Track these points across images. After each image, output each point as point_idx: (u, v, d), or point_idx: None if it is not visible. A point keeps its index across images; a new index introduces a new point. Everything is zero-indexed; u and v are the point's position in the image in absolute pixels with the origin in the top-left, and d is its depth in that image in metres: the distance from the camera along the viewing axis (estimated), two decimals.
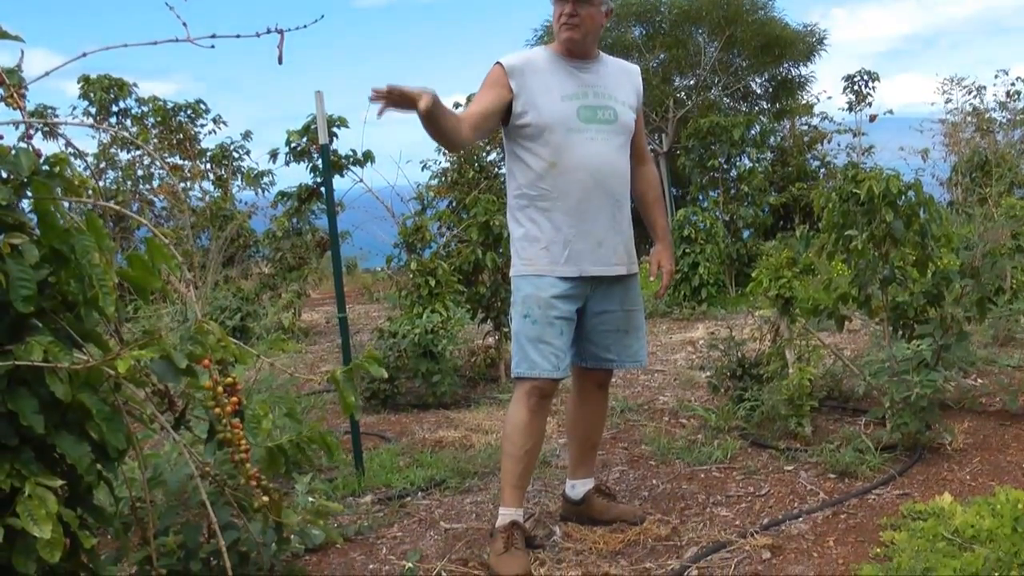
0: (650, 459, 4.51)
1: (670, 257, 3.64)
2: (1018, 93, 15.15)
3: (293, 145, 8.29)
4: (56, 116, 11.66)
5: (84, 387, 1.90)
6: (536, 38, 16.69)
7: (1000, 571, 2.77)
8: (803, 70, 16.92)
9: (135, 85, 11.77)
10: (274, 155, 8.57)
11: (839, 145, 15.69)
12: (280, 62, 1.88)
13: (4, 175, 1.95)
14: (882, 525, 3.39)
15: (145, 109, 12.01)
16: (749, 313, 6.84)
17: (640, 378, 6.36)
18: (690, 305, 9.42)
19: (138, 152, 11.37)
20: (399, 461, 4.67)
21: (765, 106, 17.04)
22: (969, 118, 15.50)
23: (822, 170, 15.18)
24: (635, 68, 3.57)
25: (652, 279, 3.66)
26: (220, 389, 2.08)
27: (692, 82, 16.50)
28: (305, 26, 1.86)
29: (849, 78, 15.42)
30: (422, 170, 11.21)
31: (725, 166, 11.80)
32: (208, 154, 12.30)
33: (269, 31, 1.81)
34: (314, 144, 8.07)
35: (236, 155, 12.39)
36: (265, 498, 2.26)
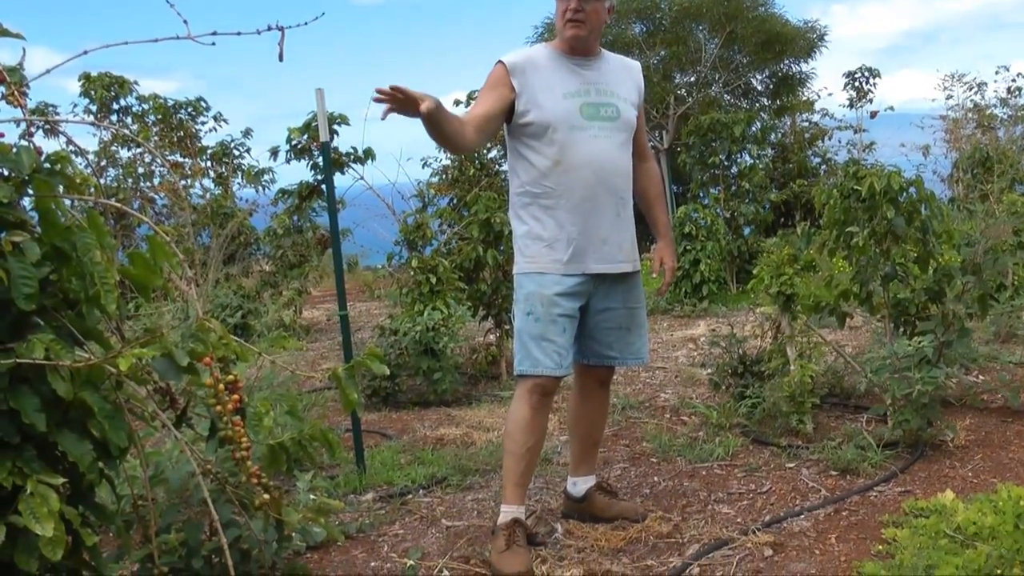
0: (651, 456, 4.51)
1: (672, 254, 3.64)
2: (1019, 89, 15.13)
3: (294, 143, 8.28)
4: (57, 114, 11.67)
5: (86, 385, 1.90)
6: (537, 35, 16.68)
7: (1002, 568, 2.77)
8: (804, 67, 16.92)
9: (136, 83, 11.77)
10: (275, 153, 8.57)
11: (840, 142, 15.68)
12: (281, 59, 1.88)
13: (5, 173, 1.95)
14: (884, 522, 3.39)
15: (146, 107, 12.00)
16: (750, 310, 6.84)
17: (641, 375, 6.36)
18: (691, 302, 9.41)
19: (139, 150, 11.37)
20: (400, 459, 4.67)
21: (766, 103, 17.03)
22: (970, 114, 15.49)
23: (823, 167, 15.18)
24: (636, 65, 3.57)
25: (654, 276, 3.66)
26: (221, 387, 2.08)
27: (693, 79, 16.49)
28: (306, 23, 1.86)
29: (850, 74, 15.41)
30: (423, 167, 11.20)
31: (726, 163, 11.78)
32: (208, 152, 12.30)
33: (270, 28, 1.81)
34: (315, 141, 8.06)
35: (236, 152, 12.38)
36: (266, 496, 2.27)
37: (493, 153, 11.45)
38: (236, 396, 2.14)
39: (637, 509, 3.68)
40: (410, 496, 4.11)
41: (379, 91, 2.85)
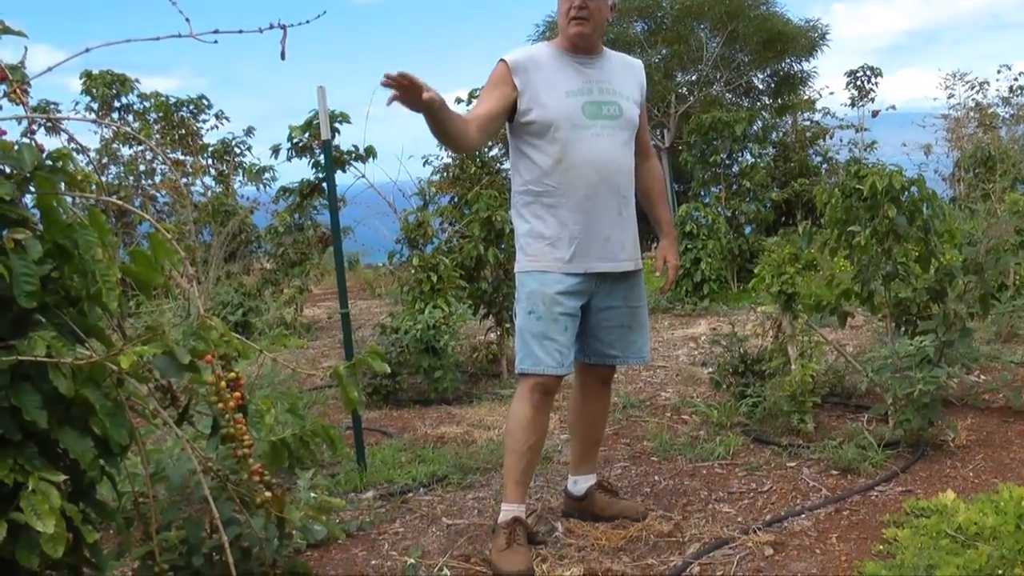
0: (652, 455, 4.51)
1: (675, 252, 3.64)
2: (1021, 88, 15.10)
3: (295, 140, 8.28)
4: (59, 112, 11.66)
5: (87, 382, 1.90)
6: (538, 34, 16.67)
7: (1004, 569, 2.77)
8: (805, 66, 16.92)
9: (137, 81, 11.78)
10: (276, 151, 8.57)
11: (841, 141, 15.68)
12: (283, 58, 1.87)
13: (7, 170, 1.95)
14: (885, 522, 3.39)
15: (147, 104, 12.00)
16: (751, 309, 6.83)
17: (642, 374, 6.36)
18: (692, 301, 9.40)
19: (140, 147, 11.38)
20: (401, 457, 4.67)
21: (767, 102, 17.03)
22: (972, 113, 15.48)
23: (824, 166, 15.18)
24: (638, 63, 3.57)
25: (657, 274, 3.66)
26: (223, 384, 2.07)
27: (694, 77, 16.49)
28: (308, 21, 1.85)
29: (852, 74, 15.40)
30: (424, 165, 11.20)
31: (727, 162, 11.78)
32: (210, 149, 12.30)
33: (272, 27, 1.81)
34: (316, 139, 8.06)
35: (238, 150, 12.39)
36: (268, 494, 2.26)
37: (494, 151, 11.45)
38: (238, 394, 2.13)
39: (638, 508, 3.68)
40: (411, 494, 4.11)
41: (388, 76, 2.82)
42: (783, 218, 13.63)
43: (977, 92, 15.58)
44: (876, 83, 15.46)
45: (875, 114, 15.59)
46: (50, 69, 2.00)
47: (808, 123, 16.49)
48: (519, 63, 3.28)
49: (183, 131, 12.00)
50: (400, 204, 8.83)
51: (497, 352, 6.60)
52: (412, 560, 3.35)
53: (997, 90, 15.63)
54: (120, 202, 2.12)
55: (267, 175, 11.01)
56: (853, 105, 15.58)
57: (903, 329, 5.03)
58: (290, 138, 8.34)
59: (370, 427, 5.29)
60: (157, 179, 11.72)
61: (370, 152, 8.18)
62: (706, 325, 8.30)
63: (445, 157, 11.60)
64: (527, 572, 3.15)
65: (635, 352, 3.50)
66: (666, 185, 11.45)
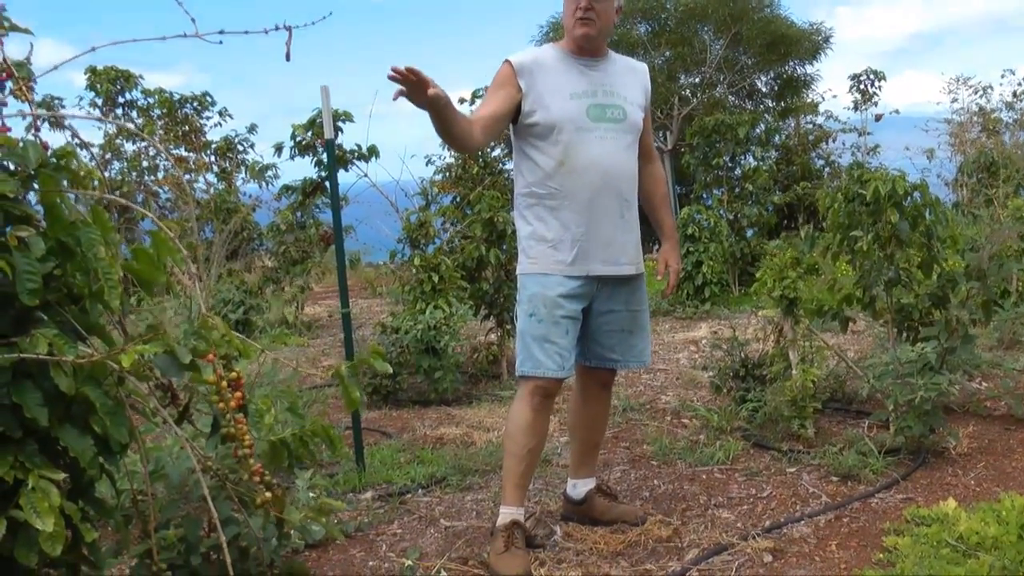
0: (652, 459, 4.50)
1: (677, 257, 3.64)
2: None
3: (298, 139, 8.27)
4: (63, 107, 11.69)
5: (88, 381, 1.90)
6: (542, 34, 16.67)
7: None
8: (808, 68, 16.92)
9: (141, 77, 11.78)
10: (279, 149, 8.57)
11: (844, 144, 15.69)
12: (288, 59, 1.87)
13: (11, 167, 1.95)
14: (885, 530, 3.38)
15: (151, 101, 12.01)
16: (752, 313, 6.82)
17: (642, 377, 6.35)
18: (693, 304, 9.39)
19: (143, 143, 11.38)
20: (400, 457, 4.66)
21: (770, 104, 17.03)
22: (975, 118, 15.48)
23: (827, 169, 15.18)
24: (643, 66, 3.56)
25: (659, 278, 3.65)
26: (224, 384, 2.07)
27: (697, 80, 16.49)
28: (313, 23, 1.85)
29: (855, 77, 15.40)
30: (426, 165, 11.18)
31: (729, 164, 11.77)
32: (213, 146, 12.30)
33: (277, 28, 1.80)
34: (319, 138, 8.06)
35: (241, 148, 12.39)
36: (268, 494, 2.26)
37: (497, 152, 11.44)
38: (239, 394, 2.13)
39: (637, 512, 3.67)
40: (409, 495, 4.10)
41: (395, 70, 2.80)
42: (785, 221, 13.62)
43: (981, 97, 15.60)
44: (879, 87, 15.48)
45: (878, 118, 15.59)
46: (55, 68, 1.99)
47: (811, 126, 16.49)
48: (524, 64, 3.27)
49: (186, 127, 12.00)
50: (402, 203, 8.81)
51: (497, 353, 6.59)
52: (410, 562, 3.34)
53: (1001, 95, 15.65)
54: (124, 200, 2.12)
55: (269, 173, 11.01)
56: (856, 109, 15.59)
57: (905, 335, 5.02)
58: (293, 136, 8.34)
59: (369, 427, 5.28)
60: (160, 175, 11.72)
61: (373, 151, 8.18)
62: (707, 328, 8.29)
63: (448, 157, 11.58)
64: None
65: (636, 356, 3.49)
66: (668, 187, 11.45)
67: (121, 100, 12.03)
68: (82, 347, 1.95)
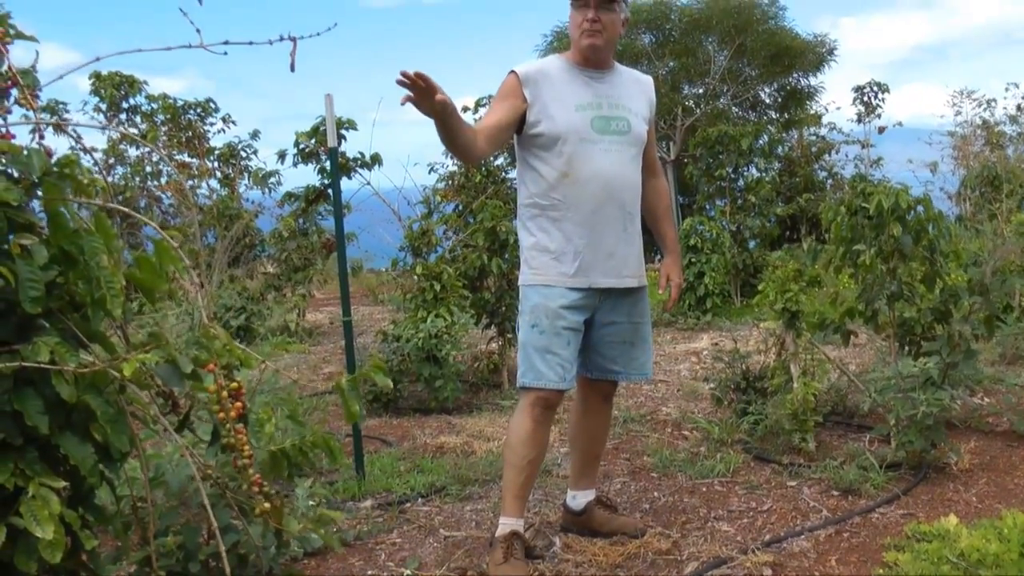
0: (652, 471, 4.50)
1: (679, 270, 3.63)
2: None
3: (301, 146, 8.28)
4: (67, 111, 11.71)
5: (89, 388, 1.90)
6: (546, 43, 16.69)
7: None
8: (812, 80, 16.94)
9: (145, 83, 11.82)
10: (282, 156, 8.57)
11: (847, 156, 15.70)
12: (292, 70, 1.87)
13: (15, 175, 1.95)
14: (885, 545, 3.36)
15: (155, 106, 12.04)
16: (754, 325, 6.81)
17: (643, 388, 6.34)
18: (695, 315, 9.39)
19: (147, 149, 11.40)
20: (400, 466, 4.66)
21: (774, 116, 17.04)
22: (979, 131, 15.48)
23: (829, 181, 15.18)
24: (648, 79, 3.56)
25: (661, 292, 3.65)
26: (225, 394, 2.07)
27: (701, 90, 16.51)
28: (318, 34, 1.85)
29: (858, 89, 15.42)
30: (429, 173, 11.20)
31: (732, 176, 11.78)
32: (216, 152, 12.32)
33: (282, 39, 1.81)
34: (322, 146, 8.07)
35: (244, 154, 12.41)
36: (267, 505, 2.25)
37: (500, 160, 11.46)
38: (239, 404, 2.12)
39: (636, 524, 3.67)
40: (408, 504, 4.10)
41: (404, 74, 2.77)
42: (787, 232, 13.63)
43: (984, 110, 15.60)
44: (883, 99, 15.49)
45: (881, 130, 15.61)
46: (61, 77, 2.00)
47: (814, 138, 16.50)
48: (529, 75, 3.27)
49: (190, 133, 12.03)
50: (405, 211, 8.82)
51: (498, 362, 6.59)
52: (409, 572, 3.34)
53: (1004, 108, 15.65)
54: (127, 209, 2.12)
55: (272, 179, 11.03)
56: (859, 121, 15.60)
57: (907, 349, 5.01)
58: (296, 144, 8.34)
59: (369, 435, 5.28)
60: (163, 180, 11.74)
61: (376, 159, 8.17)
62: (708, 340, 8.29)
63: (451, 165, 11.61)
64: None
65: (638, 368, 3.49)
66: (671, 198, 11.48)
67: (125, 105, 12.06)
68: (84, 355, 1.96)
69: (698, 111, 15.51)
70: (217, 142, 12.57)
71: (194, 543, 2.61)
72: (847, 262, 4.93)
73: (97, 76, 11.79)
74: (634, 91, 3.42)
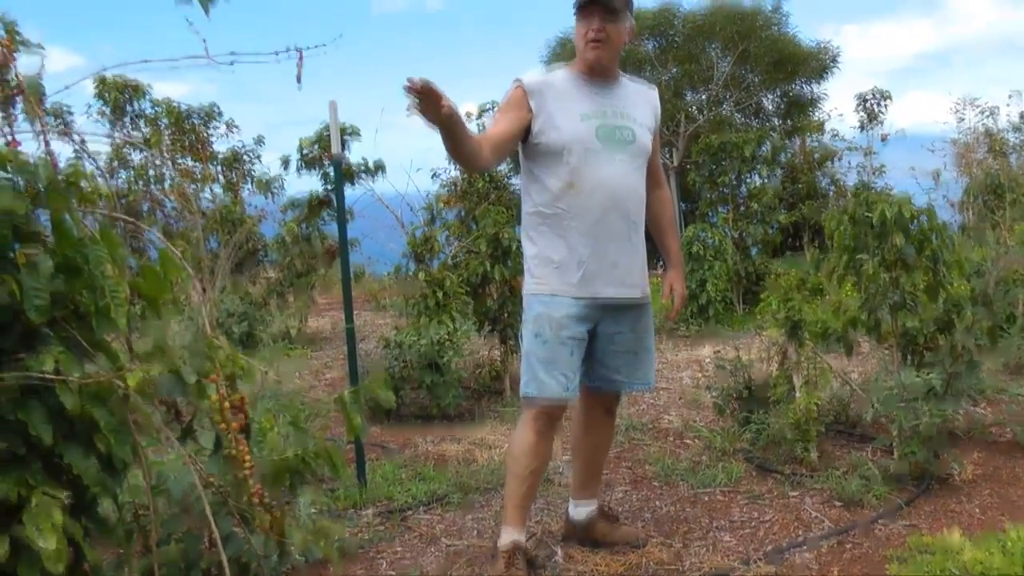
0: (654, 480, 4.49)
1: (682, 281, 3.63)
2: None
3: (305, 153, 8.29)
4: (71, 114, 11.73)
5: (93, 399, 1.90)
6: (550, 51, 16.70)
7: None
8: (815, 88, 16.94)
9: (150, 87, 11.82)
10: (286, 163, 8.59)
11: (849, 163, 15.68)
12: (299, 82, 1.87)
13: (21, 184, 1.95)
14: (888, 557, 3.36)
15: (159, 111, 12.04)
16: (756, 334, 6.80)
17: (645, 396, 6.32)
18: (697, 323, 9.36)
19: (150, 152, 11.41)
20: (401, 474, 4.65)
21: (777, 123, 17.04)
22: (982, 139, 15.46)
23: (832, 188, 15.17)
24: (653, 89, 3.56)
25: (665, 301, 3.65)
26: (227, 406, 2.07)
27: (704, 97, 16.51)
28: (324, 45, 1.85)
29: (861, 97, 15.40)
30: (432, 179, 11.20)
31: (735, 183, 11.76)
32: (219, 158, 12.32)
33: (288, 51, 1.81)
34: (326, 152, 8.07)
35: (247, 160, 12.40)
36: (268, 517, 2.25)
37: (502, 167, 11.46)
38: (242, 416, 2.12)
39: (638, 535, 3.66)
40: (410, 512, 4.10)
41: (410, 81, 2.75)
42: (790, 239, 13.61)
43: (987, 118, 15.57)
44: (886, 107, 15.47)
45: (884, 139, 15.58)
46: (66, 88, 2.00)
47: (816, 145, 16.49)
48: (534, 85, 3.27)
49: (193, 138, 12.03)
50: (407, 218, 8.82)
51: (500, 369, 6.57)
52: None
53: (1007, 116, 15.62)
54: (131, 219, 2.12)
55: (276, 185, 11.02)
56: (862, 129, 15.58)
57: (910, 359, 5.00)
58: (300, 150, 8.35)
59: (371, 442, 5.26)
60: (167, 184, 11.74)
61: (379, 167, 8.18)
62: (710, 348, 8.26)
63: (453, 171, 11.61)
64: None
65: (640, 378, 3.49)
66: (674, 205, 11.46)
67: (129, 110, 12.06)
68: (88, 365, 1.96)
69: (701, 118, 15.51)
70: (221, 147, 12.57)
71: (196, 551, 2.61)
72: (850, 271, 4.92)
73: (102, 81, 11.79)
74: (639, 101, 3.42)
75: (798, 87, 16.87)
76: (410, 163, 14.11)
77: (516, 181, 10.82)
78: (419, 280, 6.29)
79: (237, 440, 2.12)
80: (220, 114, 12.49)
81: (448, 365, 5.82)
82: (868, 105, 15.28)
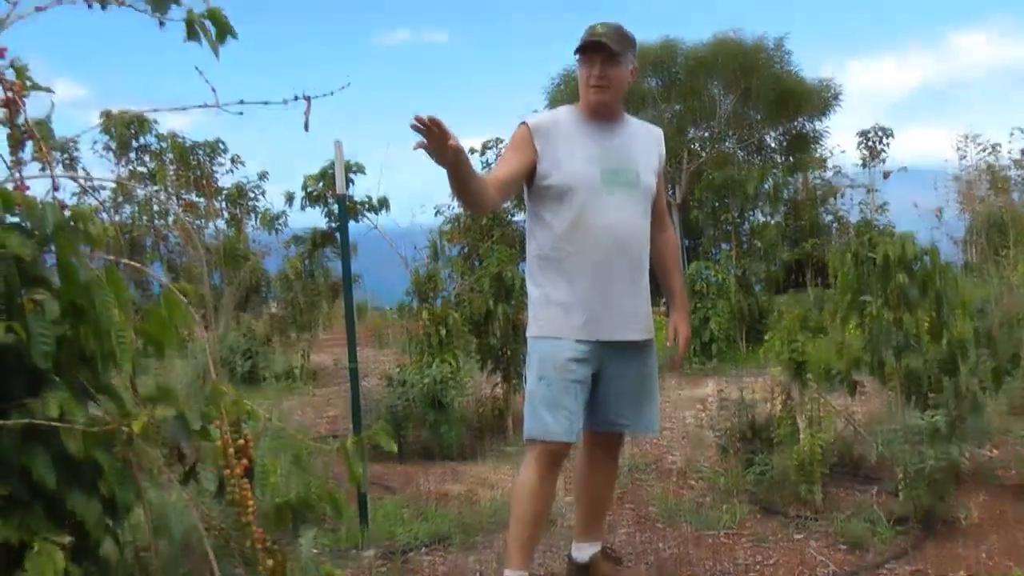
0: (657, 521, 4.46)
1: (687, 323, 3.63)
2: None
3: (309, 189, 8.32)
4: (77, 149, 11.83)
5: (97, 444, 1.90)
6: (554, 86, 16.82)
7: None
8: (817, 125, 17.05)
9: (155, 122, 11.92)
10: (290, 198, 8.62)
11: (852, 199, 15.74)
12: (306, 129, 1.89)
13: (29, 227, 1.96)
14: None
15: (164, 145, 12.14)
16: (760, 375, 6.78)
17: (649, 435, 6.30)
18: (700, 361, 9.36)
19: (155, 188, 11.48)
20: (403, 513, 4.62)
21: (779, 159, 17.13)
22: (984, 175, 15.52)
23: (834, 225, 15.22)
24: (658, 131, 3.57)
25: (669, 345, 3.65)
26: (231, 451, 2.06)
27: (707, 134, 16.61)
28: (332, 93, 1.87)
29: (864, 134, 15.50)
30: (436, 215, 11.24)
31: (738, 219, 11.80)
32: (224, 192, 12.39)
33: (296, 98, 1.83)
34: (330, 189, 8.10)
35: (252, 195, 12.47)
36: (270, 560, 2.24)
37: (506, 203, 11.49)
38: (245, 461, 2.12)
39: None
40: (412, 553, 4.07)
41: (418, 119, 2.74)
42: (793, 276, 13.62)
43: (989, 155, 15.65)
44: (887, 144, 15.56)
45: (886, 175, 15.66)
46: (78, 136, 2.01)
47: (819, 181, 16.56)
48: (540, 127, 3.29)
49: (199, 172, 12.10)
50: (410, 254, 8.82)
51: (503, 407, 6.56)
52: None
53: (1009, 153, 15.69)
54: (136, 264, 2.13)
55: (280, 221, 11.08)
56: (864, 166, 15.66)
57: (914, 399, 4.98)
58: (304, 187, 8.38)
59: (373, 481, 5.24)
60: (170, 219, 11.80)
61: (383, 203, 8.19)
62: (714, 386, 8.24)
63: (456, 207, 11.65)
64: None
65: (645, 423, 3.47)
66: (678, 242, 11.46)
67: (135, 144, 12.15)
68: (92, 407, 1.96)
69: (704, 154, 15.60)
70: (226, 182, 12.65)
71: None
72: (853, 311, 4.92)
73: (107, 115, 11.90)
74: (644, 143, 3.44)
75: (800, 124, 16.97)
76: (413, 199, 14.17)
77: (519, 218, 10.85)
78: (422, 318, 6.30)
79: (240, 485, 2.12)
80: (225, 149, 12.60)
81: (451, 403, 5.82)
82: (870, 142, 15.38)
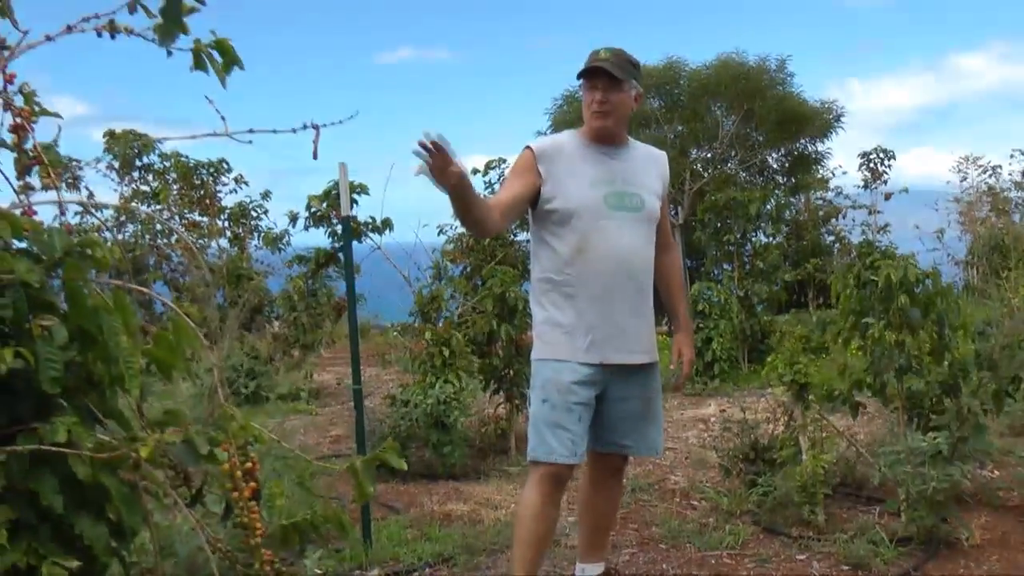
0: (660, 542, 4.46)
1: (691, 346, 3.66)
2: None
3: (313, 210, 8.36)
4: (81, 168, 11.89)
5: (105, 468, 1.91)
6: (556, 107, 16.87)
7: None
8: (819, 146, 17.09)
9: (159, 141, 11.98)
10: (294, 219, 8.66)
11: (854, 221, 15.75)
12: (315, 157, 1.92)
13: (37, 252, 1.98)
14: None
15: (167, 165, 12.19)
16: (762, 395, 6.78)
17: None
18: (702, 381, 9.36)
19: (158, 207, 11.53)
20: (407, 534, 4.63)
21: (781, 180, 17.17)
22: (985, 197, 15.55)
23: (836, 245, 15.23)
24: (662, 155, 3.60)
25: (673, 367, 3.67)
26: (239, 474, 2.07)
27: (709, 155, 16.65)
28: (340, 122, 1.90)
29: (865, 155, 15.52)
30: (438, 235, 11.24)
31: (740, 240, 11.80)
32: (227, 211, 12.41)
33: (305, 127, 1.86)
34: (334, 210, 8.14)
35: (255, 214, 12.49)
36: None
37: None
38: (253, 484, 2.13)
39: None
40: (415, 574, 4.07)
41: (421, 144, 2.76)
42: (795, 296, 13.63)
43: (990, 176, 15.68)
44: (889, 165, 15.58)
45: (887, 197, 15.68)
46: (84, 164, 2.03)
47: (821, 202, 16.59)
48: (544, 151, 3.32)
49: (202, 192, 12.15)
50: (413, 274, 8.84)
51: (506, 427, 6.56)
52: None
53: (1010, 174, 15.73)
54: (145, 289, 2.15)
55: (283, 241, 11.11)
56: (866, 187, 15.68)
57: (916, 421, 4.99)
58: (308, 207, 8.41)
59: (377, 501, 5.24)
60: (173, 238, 11.83)
61: (387, 224, 8.22)
62: (716, 406, 8.25)
63: (460, 227, 11.65)
64: None
65: (648, 445, 3.49)
66: (681, 263, 11.46)
67: (138, 164, 12.21)
68: (100, 432, 1.97)
69: (706, 175, 15.63)
70: (229, 201, 12.68)
71: None
72: (856, 333, 4.93)
73: (111, 134, 11.96)
74: (648, 167, 3.47)
75: (802, 146, 17.02)
76: (416, 220, 14.20)
77: (523, 237, 10.87)
78: (425, 338, 6.31)
79: (249, 508, 2.13)
80: (229, 169, 12.63)
81: (454, 424, 5.82)
82: (871, 164, 15.41)
